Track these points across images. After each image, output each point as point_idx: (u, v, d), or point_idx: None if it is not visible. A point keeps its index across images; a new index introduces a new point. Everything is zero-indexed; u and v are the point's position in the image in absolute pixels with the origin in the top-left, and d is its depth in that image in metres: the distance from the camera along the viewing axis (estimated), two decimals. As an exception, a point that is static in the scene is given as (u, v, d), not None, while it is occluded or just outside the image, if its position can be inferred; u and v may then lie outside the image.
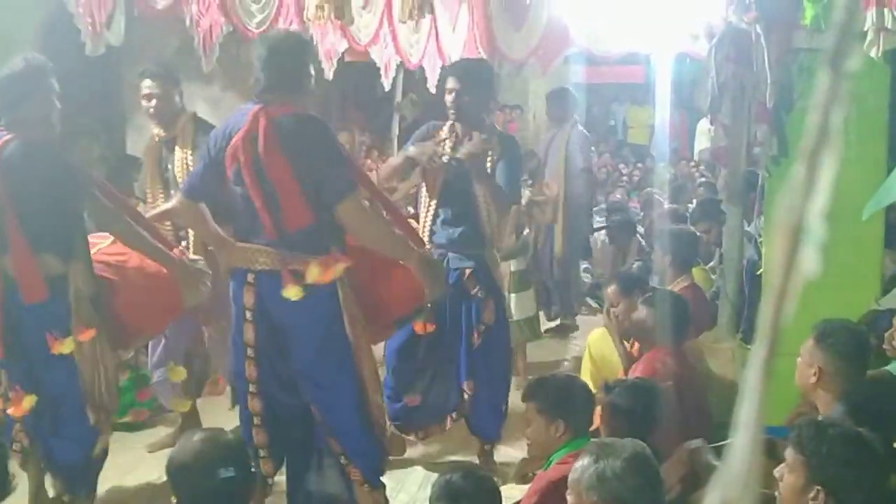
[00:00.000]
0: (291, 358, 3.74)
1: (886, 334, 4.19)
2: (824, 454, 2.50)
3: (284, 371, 3.79)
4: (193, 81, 9.42)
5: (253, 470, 3.08)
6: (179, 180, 4.67)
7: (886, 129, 4.64)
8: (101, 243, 4.12)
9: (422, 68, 8.27)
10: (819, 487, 2.48)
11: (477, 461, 4.88)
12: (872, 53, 4.42)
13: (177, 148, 5.00)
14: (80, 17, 4.67)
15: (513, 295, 6.55)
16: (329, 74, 7.38)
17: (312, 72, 3.80)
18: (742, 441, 0.58)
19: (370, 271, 3.87)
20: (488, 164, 4.65)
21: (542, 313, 8.19)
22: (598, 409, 3.79)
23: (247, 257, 3.67)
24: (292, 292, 3.54)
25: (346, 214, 3.59)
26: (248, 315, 3.71)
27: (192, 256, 4.30)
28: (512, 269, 6.61)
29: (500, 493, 3.18)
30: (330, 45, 7.24)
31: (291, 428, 3.87)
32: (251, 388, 3.79)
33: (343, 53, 7.48)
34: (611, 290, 5.21)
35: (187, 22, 5.36)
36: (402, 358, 4.78)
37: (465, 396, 4.81)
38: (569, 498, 2.75)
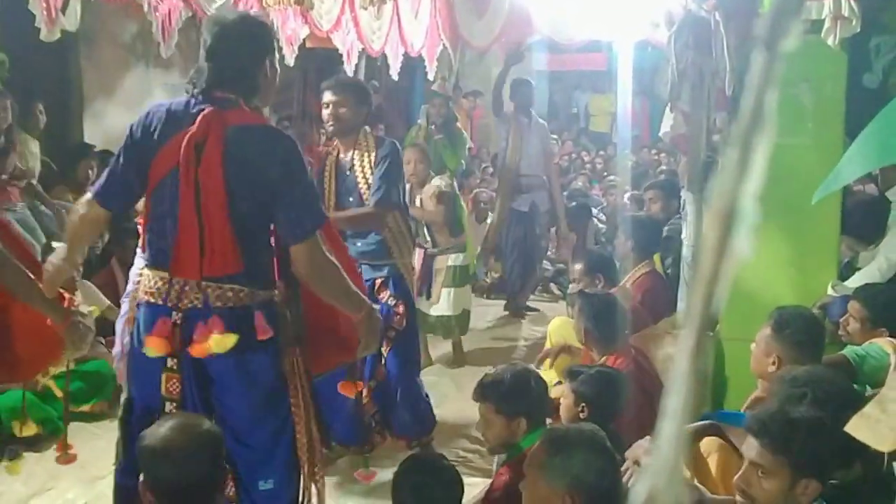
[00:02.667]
0: (221, 415, 3.08)
1: (841, 320, 4.24)
2: (810, 448, 2.49)
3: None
4: (152, 68, 9.33)
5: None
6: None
7: (843, 116, 4.68)
8: None
9: (384, 55, 8.22)
10: (808, 479, 2.48)
11: None
12: (829, 41, 4.45)
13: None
14: (35, 1, 4.58)
15: (451, 290, 6.60)
16: (290, 60, 7.32)
17: (276, 66, 3.14)
18: (669, 430, 0.57)
19: (314, 313, 3.35)
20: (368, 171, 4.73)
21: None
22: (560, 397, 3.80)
23: (169, 291, 2.99)
24: (222, 343, 2.94)
25: (303, 257, 3.01)
26: (171, 362, 3.00)
27: (82, 309, 3.35)
28: (449, 263, 6.64)
29: (461, 481, 3.17)
30: (291, 31, 7.18)
31: None
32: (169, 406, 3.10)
33: (304, 39, 7.42)
34: (577, 267, 5.33)
35: (145, 7, 5.28)
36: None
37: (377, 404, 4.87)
38: (526, 486, 2.75)
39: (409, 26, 7.98)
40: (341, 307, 3.25)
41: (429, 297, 6.55)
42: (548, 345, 5.26)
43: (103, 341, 5.61)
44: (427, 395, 5.11)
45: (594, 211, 10.26)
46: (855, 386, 3.81)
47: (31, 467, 4.68)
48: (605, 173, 13.52)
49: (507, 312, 8.42)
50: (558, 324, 5.41)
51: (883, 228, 4.83)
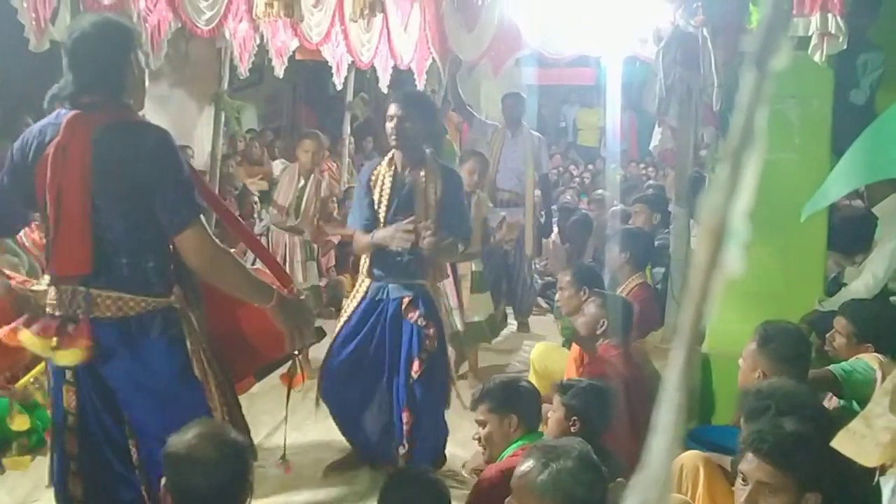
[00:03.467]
0: (126, 419, 3.01)
1: (827, 335, 4.26)
2: (814, 462, 2.50)
3: (118, 435, 3.03)
4: (141, 78, 9.32)
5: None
6: None
7: (830, 132, 4.71)
8: None
9: (373, 68, 8.25)
10: (815, 493, 2.49)
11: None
12: (816, 58, 4.48)
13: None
14: (24, 11, 4.58)
15: (478, 295, 6.62)
16: (280, 72, 7.34)
17: (140, 63, 3.08)
18: (660, 444, 0.57)
19: (226, 310, 3.25)
20: (432, 197, 4.59)
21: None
22: (549, 412, 3.81)
23: (59, 299, 2.94)
24: (67, 356, 2.87)
25: (187, 246, 2.90)
26: (69, 374, 2.95)
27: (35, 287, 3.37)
28: (473, 268, 6.66)
29: (449, 496, 3.16)
30: (281, 43, 7.20)
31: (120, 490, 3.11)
32: (72, 465, 3.02)
33: (294, 51, 7.44)
34: (564, 275, 5.33)
35: (134, 18, 5.28)
36: (345, 397, 4.61)
37: (405, 427, 4.62)
38: (512, 501, 2.75)
39: (398, 39, 8.02)
40: (246, 298, 3.13)
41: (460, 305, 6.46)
42: (532, 371, 5.27)
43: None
44: (446, 427, 4.82)
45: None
46: (841, 401, 3.83)
47: (16, 479, 4.65)
48: (594, 187, 13.56)
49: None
50: (541, 350, 5.40)
51: (869, 244, 4.85)
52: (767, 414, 2.86)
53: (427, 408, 4.63)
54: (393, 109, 4.58)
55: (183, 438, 2.57)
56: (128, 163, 2.85)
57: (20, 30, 4.61)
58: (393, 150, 4.65)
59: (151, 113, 9.63)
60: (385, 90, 8.70)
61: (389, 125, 4.59)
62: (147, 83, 3.27)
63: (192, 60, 9.61)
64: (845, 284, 4.88)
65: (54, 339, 2.88)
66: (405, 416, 4.56)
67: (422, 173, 4.58)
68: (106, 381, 2.96)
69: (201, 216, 2.95)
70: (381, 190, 4.63)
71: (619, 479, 3.11)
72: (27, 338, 2.90)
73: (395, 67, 8.32)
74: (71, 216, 2.85)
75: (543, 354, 5.31)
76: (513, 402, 3.64)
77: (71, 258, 2.87)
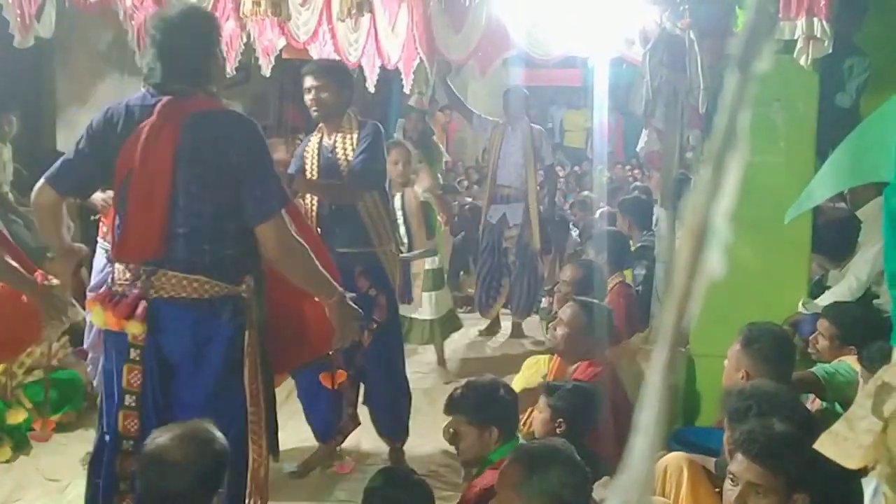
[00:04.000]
0: (178, 401, 3.06)
1: (811, 338, 4.28)
2: (801, 463, 2.51)
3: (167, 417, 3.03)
4: (127, 76, 9.28)
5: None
6: None
7: (815, 136, 4.73)
8: None
9: (361, 67, 8.23)
10: (803, 494, 2.50)
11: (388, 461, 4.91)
12: (802, 61, 4.50)
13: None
14: (10, 7, 4.56)
15: (431, 293, 6.64)
16: (267, 71, 7.32)
17: (223, 54, 3.20)
18: (641, 445, 0.57)
19: (285, 302, 3.32)
20: (350, 152, 4.71)
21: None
22: (533, 413, 3.81)
23: (134, 280, 3.01)
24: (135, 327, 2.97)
25: (268, 237, 3.00)
26: (133, 353, 3.01)
27: (54, 282, 3.56)
28: (426, 267, 6.68)
29: (433, 496, 3.17)
30: (268, 42, 7.18)
31: None
32: (124, 444, 3.04)
33: (281, 50, 7.42)
34: (564, 277, 5.37)
35: (121, 15, 5.26)
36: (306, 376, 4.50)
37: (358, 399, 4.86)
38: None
39: (386, 39, 8.00)
40: (312, 291, 3.26)
41: (409, 301, 6.53)
42: (519, 379, 5.23)
43: (73, 350, 5.56)
44: (410, 395, 5.02)
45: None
46: (824, 403, 3.85)
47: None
48: (579, 189, 13.57)
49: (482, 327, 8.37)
50: (531, 364, 5.35)
51: (853, 247, 4.87)
52: (749, 415, 2.87)
53: (381, 378, 4.82)
54: (308, 81, 4.72)
55: (156, 440, 2.60)
56: (218, 150, 2.96)
57: (5, 26, 4.59)
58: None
59: (137, 111, 9.56)
60: (372, 90, 8.68)
61: (308, 97, 4.73)
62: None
63: (178, 58, 9.56)
64: (829, 287, 4.90)
65: (126, 314, 2.97)
66: (359, 387, 4.81)
67: (342, 135, 4.74)
68: (168, 361, 3.02)
69: (282, 209, 3.06)
70: (311, 158, 4.81)
71: (605, 477, 3.12)
72: (98, 313, 3.02)
73: (382, 67, 8.31)
74: (154, 199, 2.94)
75: (534, 368, 5.27)
76: (493, 414, 3.48)
77: (148, 240, 2.96)
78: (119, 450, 3.04)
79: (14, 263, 3.40)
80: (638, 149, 6.81)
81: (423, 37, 8.43)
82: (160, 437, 2.61)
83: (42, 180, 3.18)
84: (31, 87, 8.27)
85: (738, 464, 2.60)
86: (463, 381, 3.85)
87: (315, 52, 7.44)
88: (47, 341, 3.82)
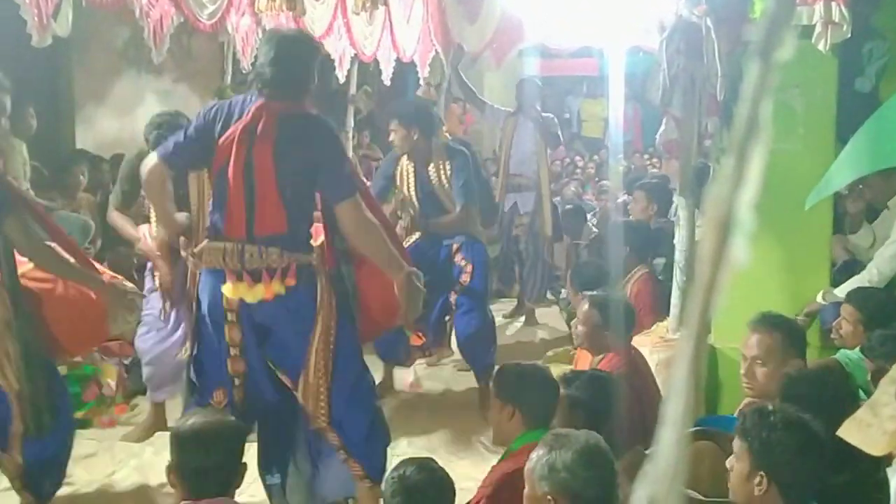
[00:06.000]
0: (279, 355, 3.70)
1: (834, 324, 4.26)
2: (766, 440, 2.54)
3: (268, 368, 3.73)
4: (144, 73, 9.32)
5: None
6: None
7: (834, 121, 4.70)
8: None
9: (376, 61, 8.23)
10: (762, 473, 2.52)
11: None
12: (820, 46, 4.47)
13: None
14: (27, 7, 4.57)
15: None
16: (282, 66, 7.33)
17: (317, 76, 3.74)
18: (669, 437, 0.57)
19: (362, 281, 3.91)
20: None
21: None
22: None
23: (228, 254, 3.57)
24: (274, 290, 3.56)
25: (346, 215, 3.61)
26: (230, 316, 3.63)
27: (124, 282, 4.11)
28: None
29: (453, 484, 3.17)
30: (283, 37, 7.19)
31: (277, 421, 3.86)
32: (235, 381, 3.72)
33: (296, 45, 7.43)
34: (568, 278, 5.35)
35: (137, 13, 5.27)
36: None
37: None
38: (526, 494, 2.75)
39: (401, 31, 7.99)
40: (383, 266, 3.78)
41: None
42: None
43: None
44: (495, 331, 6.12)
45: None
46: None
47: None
48: (598, 178, 13.52)
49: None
50: (552, 358, 5.31)
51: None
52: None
53: (471, 315, 5.82)
54: (393, 125, 5.77)
55: (186, 422, 3.04)
56: (304, 145, 3.56)
57: (23, 25, 4.60)
58: None
59: (155, 108, 9.64)
60: (388, 83, 8.68)
61: (394, 138, 5.84)
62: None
63: (194, 55, 9.60)
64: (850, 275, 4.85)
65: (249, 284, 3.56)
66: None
67: (436, 165, 5.81)
68: (258, 321, 3.64)
69: (357, 192, 3.66)
70: (408, 184, 5.87)
71: (636, 447, 3.12)
72: (228, 288, 3.57)
73: (397, 60, 8.30)
74: (264, 186, 3.51)
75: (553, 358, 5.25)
76: (515, 394, 3.51)
77: (269, 220, 3.53)
78: (224, 385, 3.73)
79: (82, 268, 3.82)
80: (657, 136, 6.77)
81: (439, 28, 8.43)
82: (195, 420, 3.02)
83: (156, 158, 3.71)
84: (49, 86, 8.31)
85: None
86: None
87: (331, 46, 7.44)
88: (117, 332, 4.27)
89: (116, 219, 5.23)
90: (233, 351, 3.67)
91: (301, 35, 3.85)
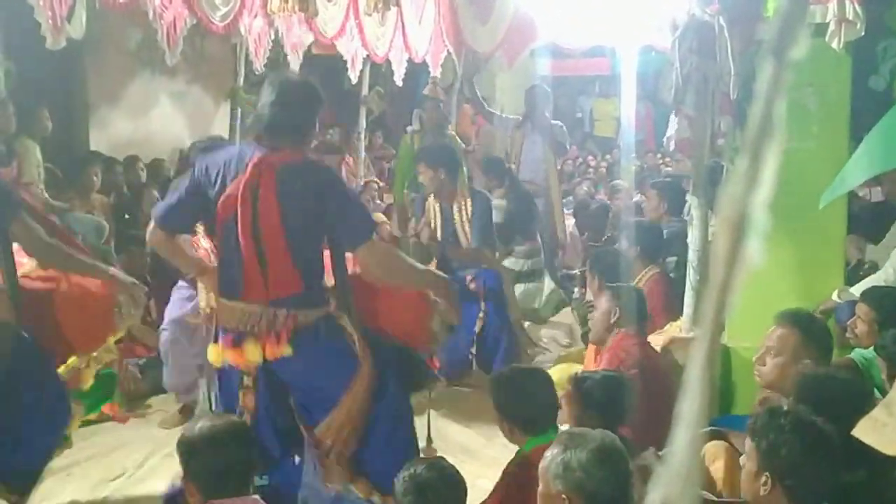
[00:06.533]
0: (300, 403, 3.56)
1: (849, 323, 4.23)
2: (773, 440, 2.53)
3: (284, 422, 3.59)
4: (157, 75, 9.35)
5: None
6: None
7: (848, 120, 4.67)
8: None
9: (388, 61, 8.24)
10: (767, 474, 2.51)
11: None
12: (834, 45, 4.44)
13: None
14: (41, 9, 4.60)
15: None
16: (295, 67, 7.34)
17: (317, 122, 3.64)
18: (683, 438, 0.57)
19: (371, 310, 3.71)
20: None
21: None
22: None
23: (240, 318, 3.41)
24: (285, 350, 3.40)
25: (369, 258, 3.44)
26: (246, 380, 3.50)
27: (123, 276, 4.07)
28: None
29: (464, 483, 3.17)
30: (296, 38, 7.21)
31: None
32: (245, 416, 3.52)
33: (309, 46, 7.45)
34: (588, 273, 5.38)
35: (150, 15, 5.30)
36: None
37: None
38: (540, 493, 2.75)
39: (413, 32, 8.00)
40: (420, 286, 3.67)
41: None
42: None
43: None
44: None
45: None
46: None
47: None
48: (610, 178, 13.50)
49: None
50: (559, 370, 5.28)
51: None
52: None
53: (500, 331, 6.25)
54: (421, 168, 6.31)
55: (195, 428, 3.04)
56: (308, 195, 3.37)
57: (37, 28, 4.63)
58: None
59: (168, 109, 9.67)
60: (399, 84, 8.69)
61: (422, 179, 6.38)
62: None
63: (207, 57, 9.63)
64: (864, 276, 4.83)
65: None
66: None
67: (458, 205, 6.38)
68: (279, 378, 3.50)
69: (374, 232, 3.57)
70: (435, 220, 6.41)
71: (650, 448, 3.11)
72: (245, 351, 3.41)
73: (409, 61, 8.31)
74: (275, 246, 3.34)
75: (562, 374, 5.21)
76: (510, 408, 3.46)
77: (283, 281, 3.36)
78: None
79: (89, 260, 3.85)
80: (666, 136, 6.76)
81: (451, 29, 8.43)
82: (202, 425, 3.03)
83: (152, 224, 3.64)
84: (63, 88, 8.35)
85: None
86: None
87: (343, 48, 7.46)
88: (125, 325, 4.17)
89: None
90: (246, 416, 3.49)
91: (305, 84, 3.62)
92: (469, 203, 6.27)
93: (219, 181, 3.44)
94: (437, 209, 6.36)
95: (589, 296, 5.83)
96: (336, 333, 3.49)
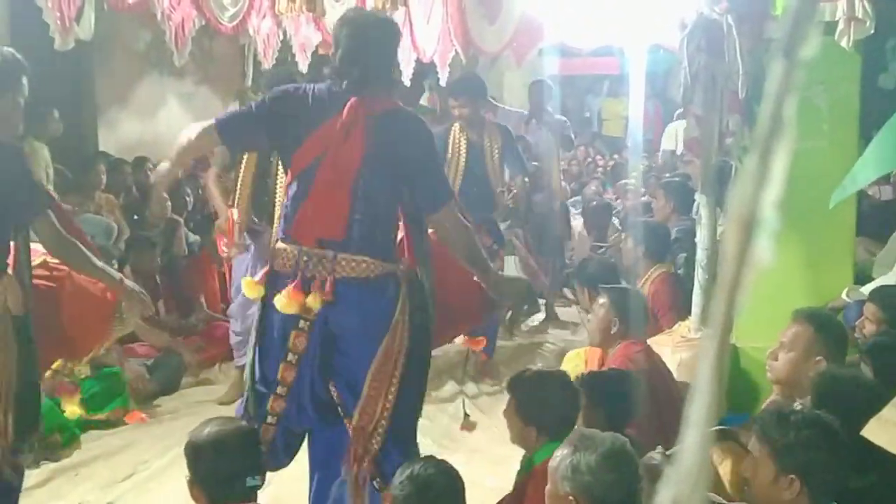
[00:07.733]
0: (342, 368, 3.35)
1: (857, 323, 4.22)
2: (792, 441, 2.50)
3: (323, 386, 3.37)
4: (166, 76, 9.37)
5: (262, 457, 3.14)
6: None
7: (858, 118, 4.66)
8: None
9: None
10: (793, 476, 2.48)
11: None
12: (843, 43, 4.44)
13: None
14: (49, 11, 4.61)
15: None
16: (304, 68, 7.35)
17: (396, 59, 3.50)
18: (692, 439, 0.56)
19: (448, 281, 3.61)
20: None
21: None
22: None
23: (302, 261, 3.27)
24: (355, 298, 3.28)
25: (446, 221, 3.38)
26: (302, 324, 3.29)
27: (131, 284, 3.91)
28: None
29: (462, 481, 3.16)
30: (304, 39, 7.21)
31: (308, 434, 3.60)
32: (279, 389, 3.37)
33: (317, 46, 7.45)
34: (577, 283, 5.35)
35: (158, 16, 5.31)
36: None
37: None
38: (548, 493, 2.74)
39: (420, 32, 7.99)
40: (474, 264, 3.51)
41: None
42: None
43: (121, 349, 5.66)
44: None
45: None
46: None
47: (51, 474, 4.70)
48: (619, 177, 13.47)
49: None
50: (573, 357, 5.26)
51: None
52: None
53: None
54: (452, 102, 6.69)
55: (201, 432, 2.99)
56: (399, 148, 3.28)
57: (45, 29, 4.64)
58: None
59: (177, 111, 9.68)
60: (407, 83, 8.68)
61: (454, 113, 6.65)
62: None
63: (215, 57, 9.64)
64: (873, 278, 4.82)
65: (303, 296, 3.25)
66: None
67: (489, 138, 6.76)
68: (331, 329, 3.31)
69: (453, 197, 3.49)
70: (458, 151, 6.60)
71: (658, 448, 3.10)
72: (282, 301, 3.25)
73: (417, 60, 8.30)
74: (340, 188, 3.24)
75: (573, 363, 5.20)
76: (539, 414, 3.37)
77: (330, 225, 3.26)
78: (273, 392, 3.37)
79: (101, 265, 3.73)
80: (662, 149, 6.80)
81: (459, 29, 8.41)
82: (209, 429, 2.98)
83: (212, 122, 3.44)
84: (71, 90, 8.36)
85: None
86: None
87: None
88: (125, 330, 4.18)
89: (213, 185, 5.62)
90: (290, 357, 3.33)
91: (382, 20, 3.46)
92: (498, 137, 6.59)
93: (310, 113, 3.29)
94: (461, 139, 6.53)
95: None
96: (394, 293, 3.32)
